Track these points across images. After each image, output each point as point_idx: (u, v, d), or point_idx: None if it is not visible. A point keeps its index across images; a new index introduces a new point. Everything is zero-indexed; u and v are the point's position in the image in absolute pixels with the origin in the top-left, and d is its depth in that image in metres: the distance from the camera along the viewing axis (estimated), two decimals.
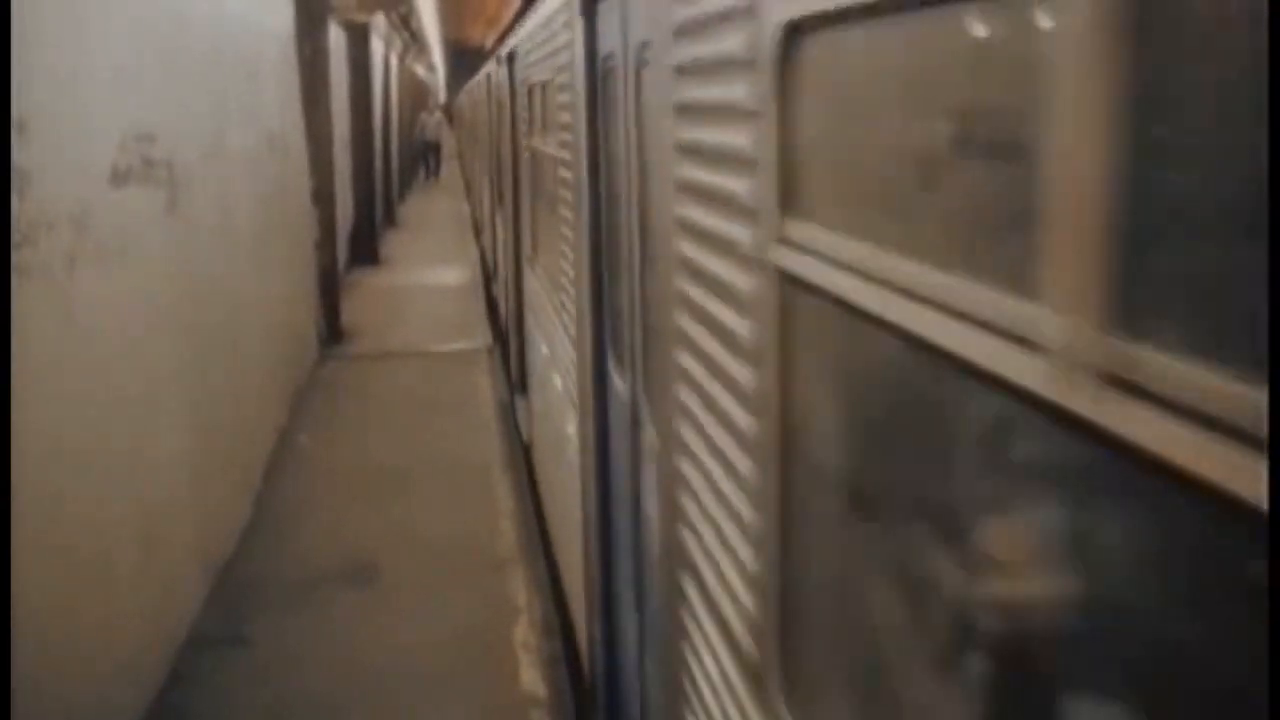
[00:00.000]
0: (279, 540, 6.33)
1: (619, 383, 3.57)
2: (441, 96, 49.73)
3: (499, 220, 9.77)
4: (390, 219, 20.13)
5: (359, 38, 14.72)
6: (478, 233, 17.76)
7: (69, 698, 3.73)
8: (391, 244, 17.68)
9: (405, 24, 21.13)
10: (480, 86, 14.08)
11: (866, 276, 1.31)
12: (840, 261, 1.39)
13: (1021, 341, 0.96)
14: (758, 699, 1.79)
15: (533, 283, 6.54)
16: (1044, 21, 0.96)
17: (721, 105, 1.85)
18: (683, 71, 2.12)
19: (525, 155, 6.63)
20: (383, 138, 19.20)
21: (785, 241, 1.58)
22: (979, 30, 1.09)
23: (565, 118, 4.35)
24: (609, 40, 3.42)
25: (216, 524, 5.91)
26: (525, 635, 5.20)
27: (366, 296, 13.37)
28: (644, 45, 2.74)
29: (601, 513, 3.88)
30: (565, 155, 4.38)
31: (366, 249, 15.58)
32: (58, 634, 3.66)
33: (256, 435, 7.23)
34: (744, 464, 1.83)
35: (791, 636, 1.68)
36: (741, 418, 1.83)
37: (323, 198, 10.46)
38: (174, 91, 5.39)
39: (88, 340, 4.08)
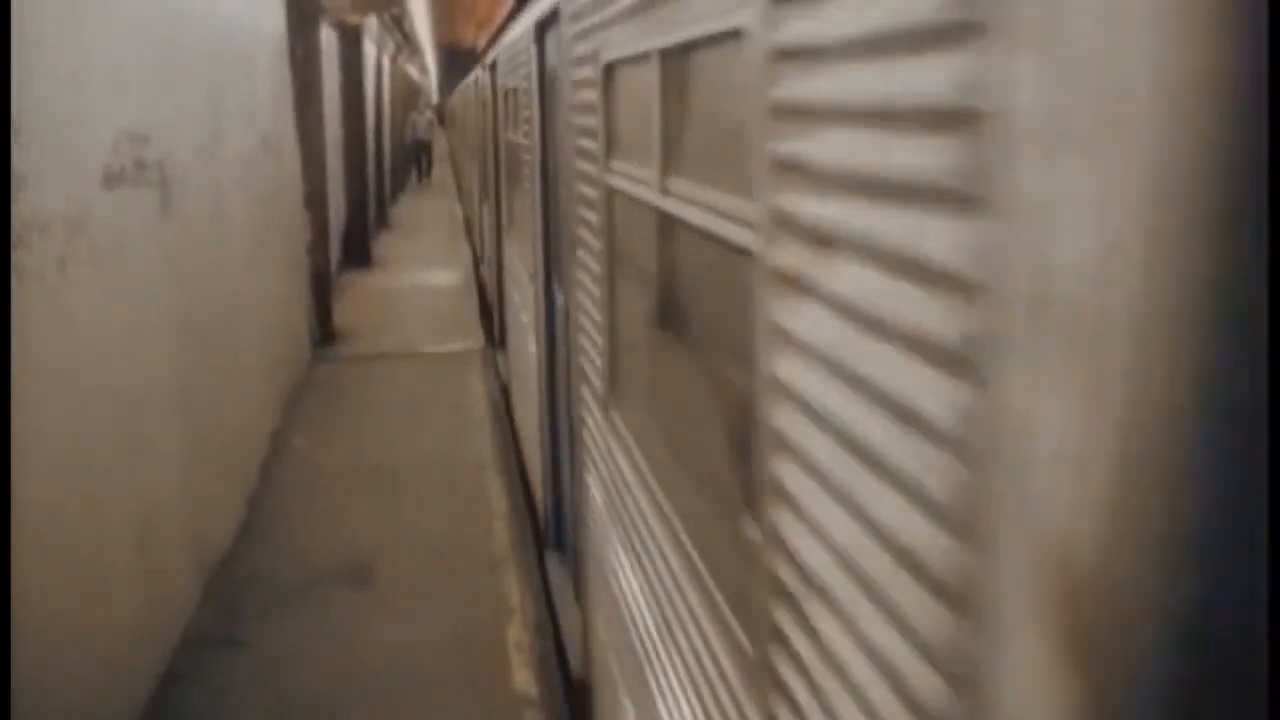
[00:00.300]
0: (273, 540, 6.34)
1: (559, 295, 4.93)
2: (434, 97, 49.72)
3: (485, 206, 11.17)
4: (383, 220, 20.12)
5: (351, 39, 14.73)
6: (469, 231, 17.81)
7: (62, 697, 3.74)
8: (384, 245, 17.68)
9: (398, 25, 21.13)
10: (469, 89, 16.17)
11: (643, 185, 2.42)
12: (632, 179, 2.60)
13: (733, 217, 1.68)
14: (604, 414, 3.12)
15: (509, 249, 8.12)
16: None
17: (585, 104, 3.22)
18: (574, 84, 3.45)
19: (503, 146, 8.16)
20: (375, 139, 19.20)
21: (610, 171, 2.91)
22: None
23: (526, 114, 5.82)
24: (551, 59, 4.78)
25: (210, 524, 5.92)
26: (518, 635, 5.22)
27: (359, 298, 13.38)
28: (564, 64, 3.94)
29: (549, 392, 5.47)
30: (526, 142, 5.91)
31: (359, 251, 15.58)
32: (50, 634, 3.67)
33: (250, 436, 7.24)
34: (596, 306, 3.19)
35: (618, 382, 3.04)
36: (593, 276, 3.22)
37: (315, 199, 10.47)
38: (167, 92, 5.40)
39: (80, 343, 4.09)
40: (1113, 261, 0.71)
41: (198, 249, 5.90)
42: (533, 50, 5.32)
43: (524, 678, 4.87)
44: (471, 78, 15.53)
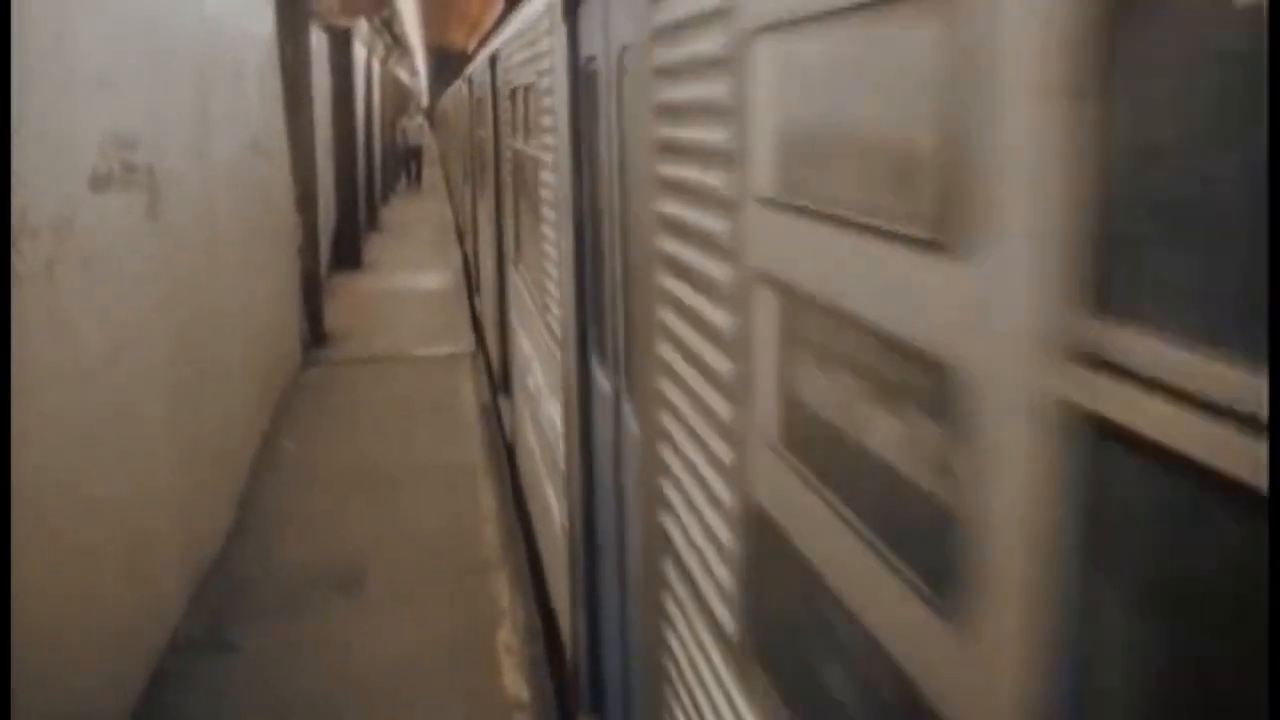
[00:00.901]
0: (263, 544, 6.33)
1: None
2: (424, 100, 49.68)
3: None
4: (373, 223, 20.10)
5: (341, 42, 14.71)
6: (460, 237, 17.76)
7: (54, 697, 3.73)
8: (374, 248, 17.66)
9: (388, 28, 21.11)
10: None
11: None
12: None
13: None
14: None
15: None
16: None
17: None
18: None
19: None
20: (365, 141, 19.18)
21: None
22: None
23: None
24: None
25: (200, 527, 5.90)
26: (508, 638, 5.22)
27: (349, 301, 13.36)
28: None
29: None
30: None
31: (349, 253, 15.56)
32: (41, 634, 3.66)
33: (240, 439, 7.23)
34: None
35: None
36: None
37: (305, 202, 10.45)
38: (155, 95, 5.39)
39: (69, 346, 4.08)
40: None
41: (187, 252, 5.89)
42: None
43: (514, 680, 4.87)
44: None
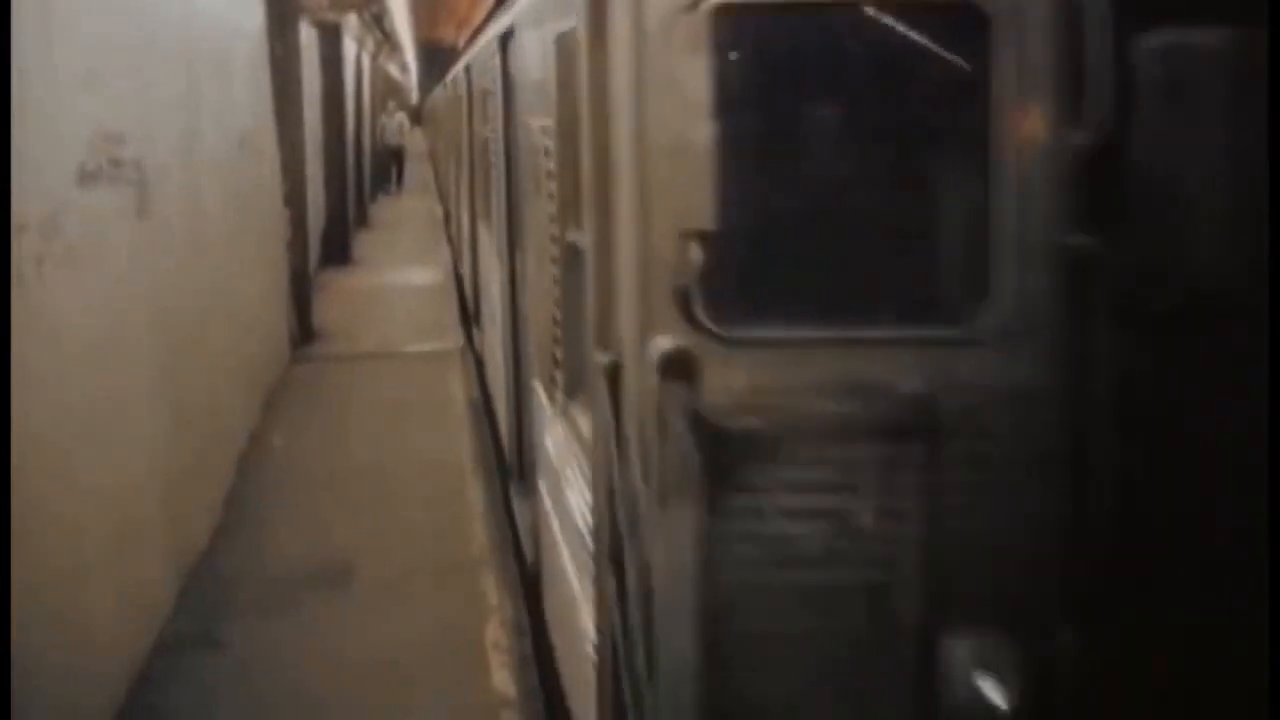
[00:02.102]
0: (250, 540, 6.32)
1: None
2: (415, 96, 49.59)
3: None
4: (363, 219, 20.06)
5: (331, 37, 14.69)
6: (448, 227, 17.81)
7: (43, 695, 3.73)
8: (364, 244, 17.63)
9: (378, 23, 21.05)
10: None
11: None
12: None
13: None
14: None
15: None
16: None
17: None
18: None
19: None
20: (355, 138, 19.14)
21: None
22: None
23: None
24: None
25: (187, 524, 5.89)
26: (496, 635, 5.22)
27: (338, 297, 13.34)
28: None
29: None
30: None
31: (339, 249, 15.53)
32: (30, 634, 3.65)
33: (228, 435, 7.22)
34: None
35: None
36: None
37: (294, 198, 10.43)
38: (143, 91, 5.38)
39: (56, 343, 4.07)
40: None
41: (175, 248, 5.88)
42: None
43: (502, 678, 4.88)
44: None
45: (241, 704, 4.67)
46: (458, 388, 9.53)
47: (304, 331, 10.98)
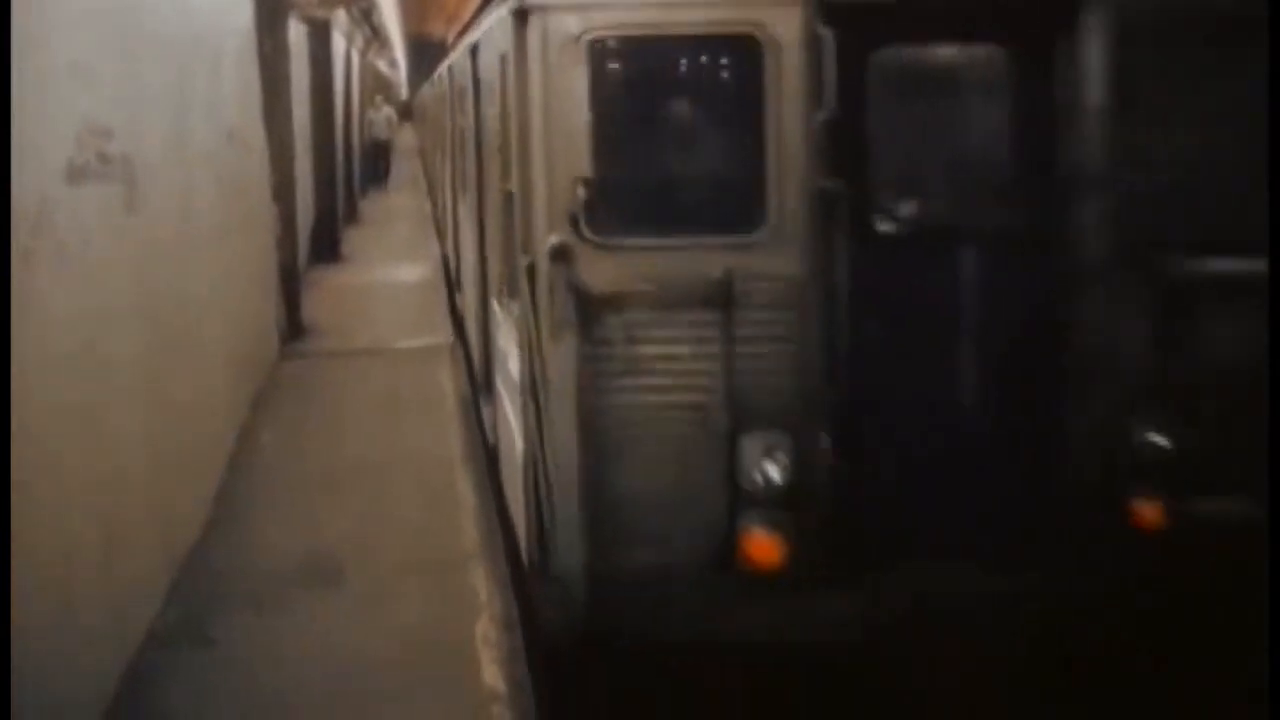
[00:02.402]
0: (240, 536, 6.32)
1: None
2: (404, 91, 49.46)
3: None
4: (352, 215, 20.02)
5: (320, 33, 14.65)
6: (439, 228, 17.86)
7: (31, 689, 3.72)
8: (353, 240, 17.60)
9: (366, 19, 21.00)
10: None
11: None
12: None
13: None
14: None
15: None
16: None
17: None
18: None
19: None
20: (344, 133, 19.10)
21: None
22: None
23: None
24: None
25: (177, 519, 5.89)
26: (487, 630, 5.23)
27: (328, 293, 13.32)
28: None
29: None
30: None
31: (328, 245, 15.51)
32: (17, 628, 3.65)
33: (217, 431, 7.21)
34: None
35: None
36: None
37: (283, 194, 10.42)
38: (131, 86, 5.36)
39: (45, 340, 4.06)
40: None
41: (164, 243, 5.86)
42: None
43: (492, 673, 4.88)
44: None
45: (228, 695, 4.66)
46: (448, 383, 9.52)
47: (293, 327, 10.96)
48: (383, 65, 35.35)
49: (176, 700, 4.67)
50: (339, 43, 17.55)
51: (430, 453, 7.71)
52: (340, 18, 16.84)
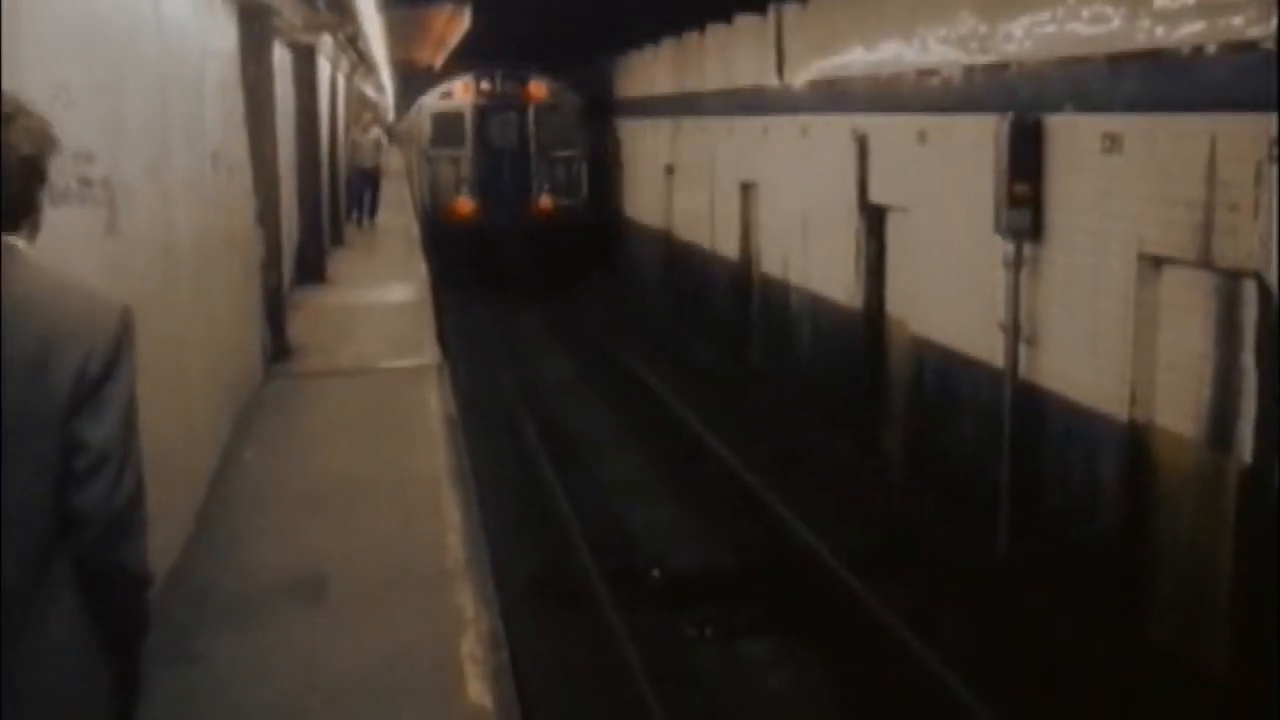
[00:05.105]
0: (221, 555, 6.32)
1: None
2: (391, 116, 49.61)
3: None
4: (338, 238, 20.05)
5: (305, 57, 14.72)
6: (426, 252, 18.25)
7: None
8: (339, 263, 17.62)
9: (353, 44, 21.10)
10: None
11: None
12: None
13: None
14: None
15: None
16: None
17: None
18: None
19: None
20: (330, 156, 19.16)
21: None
22: None
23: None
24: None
25: (157, 539, 5.87)
26: (472, 647, 5.24)
27: (313, 315, 13.34)
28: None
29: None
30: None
31: (313, 268, 15.53)
32: None
33: (199, 452, 7.21)
34: None
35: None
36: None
37: (267, 216, 10.45)
38: (113, 109, 5.40)
39: None
40: None
41: (146, 267, 5.89)
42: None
43: (478, 689, 4.89)
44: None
45: (213, 713, 4.66)
46: (434, 403, 9.54)
47: (278, 348, 10.98)
48: (370, 90, 35.47)
49: (161, 716, 4.66)
50: (324, 67, 17.63)
51: (416, 471, 7.72)
52: (326, 43, 16.92)
